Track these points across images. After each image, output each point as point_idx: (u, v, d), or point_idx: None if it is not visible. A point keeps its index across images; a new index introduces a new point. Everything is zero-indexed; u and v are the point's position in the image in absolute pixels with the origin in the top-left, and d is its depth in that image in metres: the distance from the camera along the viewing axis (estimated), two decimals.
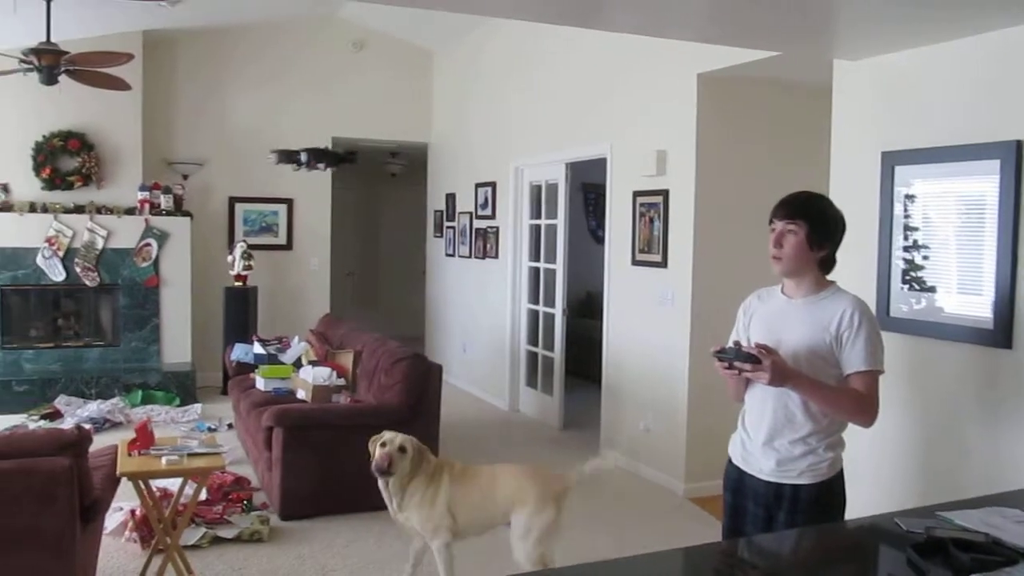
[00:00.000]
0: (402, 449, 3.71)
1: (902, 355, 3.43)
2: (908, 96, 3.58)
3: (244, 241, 8.70)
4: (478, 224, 8.73)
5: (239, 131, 9.05)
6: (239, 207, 9.12)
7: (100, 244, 8.07)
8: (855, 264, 3.63)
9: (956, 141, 3.32)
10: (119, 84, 6.28)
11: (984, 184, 3.22)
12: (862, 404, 2.66)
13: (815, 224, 2.67)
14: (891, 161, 3.59)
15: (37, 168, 7.98)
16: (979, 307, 3.23)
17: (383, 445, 3.71)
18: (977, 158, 3.24)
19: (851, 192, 3.77)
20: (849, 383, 2.67)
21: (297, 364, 6.46)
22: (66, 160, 8.07)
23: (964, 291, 3.32)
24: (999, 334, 3.14)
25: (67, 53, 5.74)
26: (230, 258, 8.58)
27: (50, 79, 5.75)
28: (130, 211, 8.19)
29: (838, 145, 3.95)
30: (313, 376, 5.82)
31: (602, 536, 4.85)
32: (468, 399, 8.49)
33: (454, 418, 6.33)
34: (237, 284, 8.49)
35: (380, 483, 3.76)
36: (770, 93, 5.46)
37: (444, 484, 3.81)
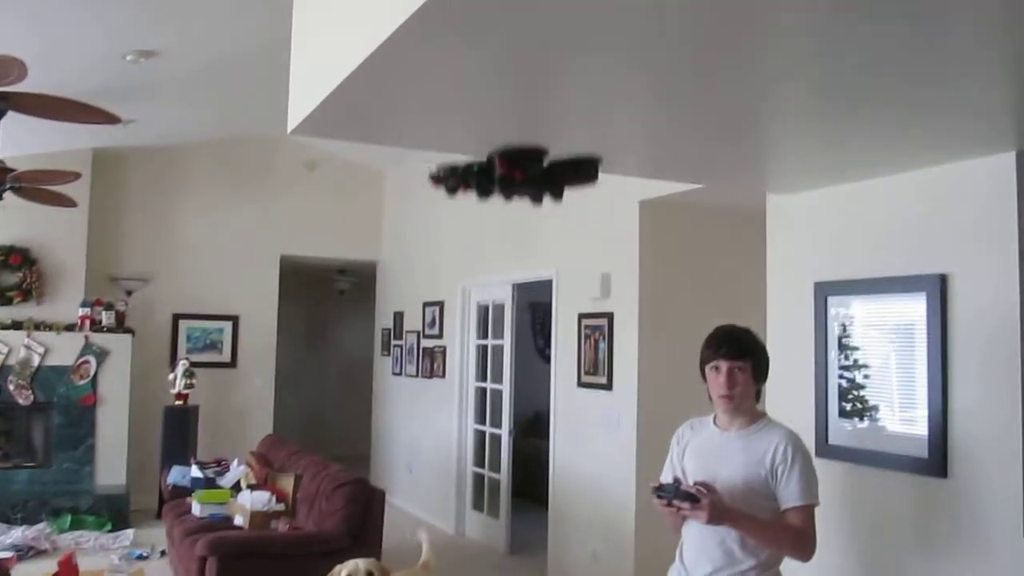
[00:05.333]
0: (370, 574, 3.59)
1: (840, 483, 3.45)
2: (838, 229, 3.72)
3: (187, 359, 8.55)
4: (425, 343, 8.72)
5: (186, 247, 9.03)
6: (183, 323, 9.00)
7: (36, 361, 7.88)
8: (792, 391, 3.69)
9: (884, 273, 3.44)
10: (65, 201, 6.25)
11: (914, 313, 3.32)
12: (800, 539, 2.69)
13: (758, 360, 2.77)
14: (823, 291, 3.69)
15: None
16: (917, 432, 3.28)
17: None
18: (905, 291, 3.35)
19: (787, 319, 3.86)
20: (786, 518, 2.69)
21: (236, 488, 6.27)
22: (6, 275, 7.96)
23: (904, 412, 3.37)
24: (934, 463, 3.18)
25: (13, 171, 5.72)
26: (171, 376, 8.40)
27: None
28: (70, 327, 8.04)
29: (773, 274, 4.07)
30: (251, 501, 5.64)
31: None
32: (413, 521, 8.27)
33: (397, 543, 6.16)
34: (178, 403, 8.29)
35: None
36: (709, 218, 5.63)
37: None
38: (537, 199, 2.97)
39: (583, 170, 2.83)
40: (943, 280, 3.21)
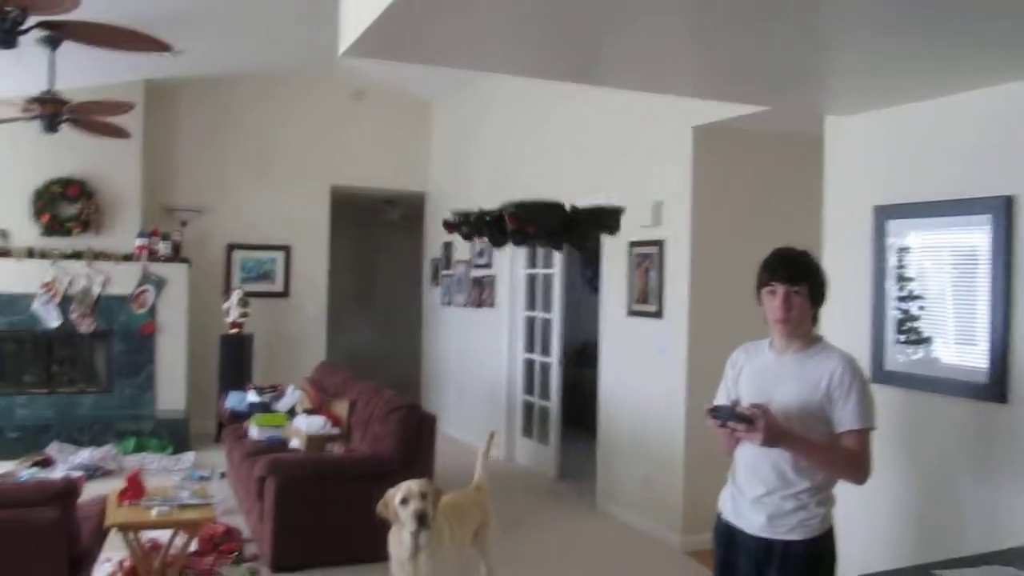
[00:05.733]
0: (423, 496, 3.65)
1: (896, 409, 3.42)
2: (899, 151, 3.62)
3: (241, 288, 8.71)
4: (475, 273, 8.75)
5: (238, 178, 9.14)
6: (237, 254, 9.16)
7: (97, 290, 8.08)
8: (849, 317, 3.64)
9: (947, 196, 3.35)
10: (119, 133, 6.34)
11: (976, 238, 3.24)
12: (855, 463, 2.67)
13: (815, 284, 2.72)
14: (883, 215, 3.62)
15: (36, 214, 8.03)
16: (975, 360, 3.23)
17: (404, 502, 3.64)
18: (968, 213, 3.27)
19: (844, 245, 3.79)
20: (841, 441, 2.67)
21: (291, 413, 6.43)
22: (65, 206, 8.12)
23: (960, 343, 3.32)
24: (994, 389, 3.13)
25: (69, 102, 5.80)
26: (226, 305, 8.58)
27: (51, 127, 5.80)
28: (128, 257, 8.22)
29: (830, 199, 3.98)
30: (307, 425, 5.79)
31: None
32: (462, 449, 8.42)
33: (448, 468, 6.28)
34: (233, 332, 8.49)
35: (408, 539, 3.67)
36: (763, 145, 5.51)
37: (447, 516, 3.84)
38: (557, 247, 2.91)
39: (605, 219, 2.74)
40: (1009, 202, 3.11)
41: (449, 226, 2.67)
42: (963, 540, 3.00)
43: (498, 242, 2.59)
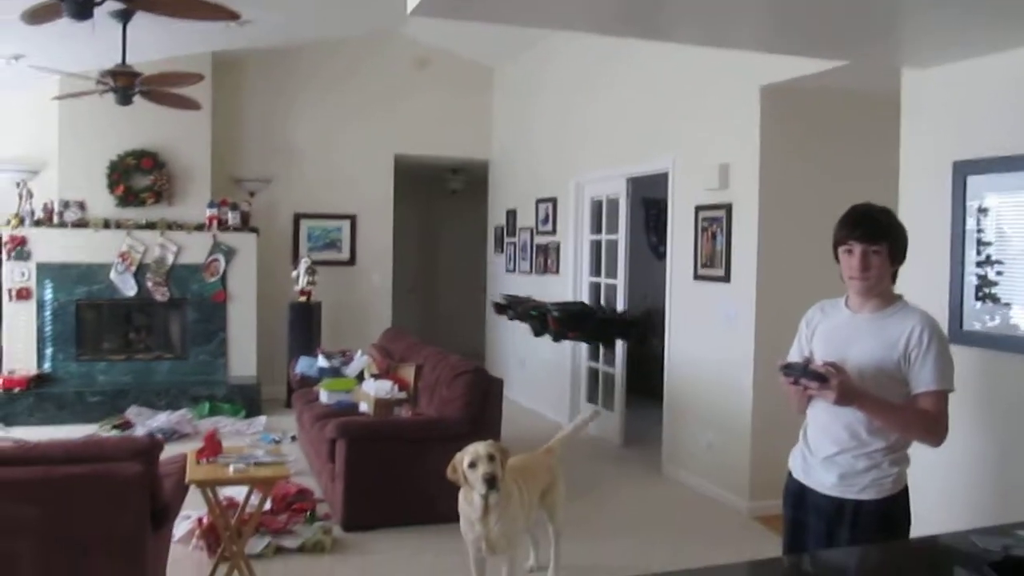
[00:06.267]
0: (491, 458, 3.69)
1: (975, 369, 3.33)
2: (980, 104, 3.50)
3: (308, 257, 8.86)
4: (539, 240, 8.75)
5: (304, 148, 9.27)
6: (304, 223, 9.31)
7: (170, 260, 8.30)
8: (926, 277, 3.55)
9: None
10: (190, 104, 6.46)
11: None
12: (930, 425, 2.61)
13: (895, 242, 2.65)
14: (963, 171, 3.50)
15: (111, 186, 8.26)
16: None
17: (472, 465, 3.68)
18: None
19: (922, 204, 3.69)
20: (917, 402, 2.61)
21: (359, 377, 6.54)
22: (139, 178, 8.33)
23: None
24: None
25: (141, 75, 5.93)
26: (295, 274, 8.74)
27: (125, 99, 5.93)
28: (199, 227, 8.42)
29: (907, 156, 3.87)
30: (375, 389, 5.88)
31: (661, 553, 4.80)
32: (527, 414, 8.48)
33: (514, 433, 6.32)
34: (301, 299, 8.64)
35: (478, 500, 3.71)
36: (835, 104, 5.38)
37: (515, 477, 3.89)
38: (592, 344, 2.84)
39: (630, 331, 2.65)
40: None
41: (498, 307, 2.70)
42: None
43: (539, 332, 2.58)
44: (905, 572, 2.25)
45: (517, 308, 2.54)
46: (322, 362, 6.85)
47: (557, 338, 2.41)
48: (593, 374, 7.89)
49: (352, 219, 9.48)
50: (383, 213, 9.60)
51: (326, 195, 9.33)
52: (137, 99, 6.13)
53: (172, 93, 6.29)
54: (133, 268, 8.20)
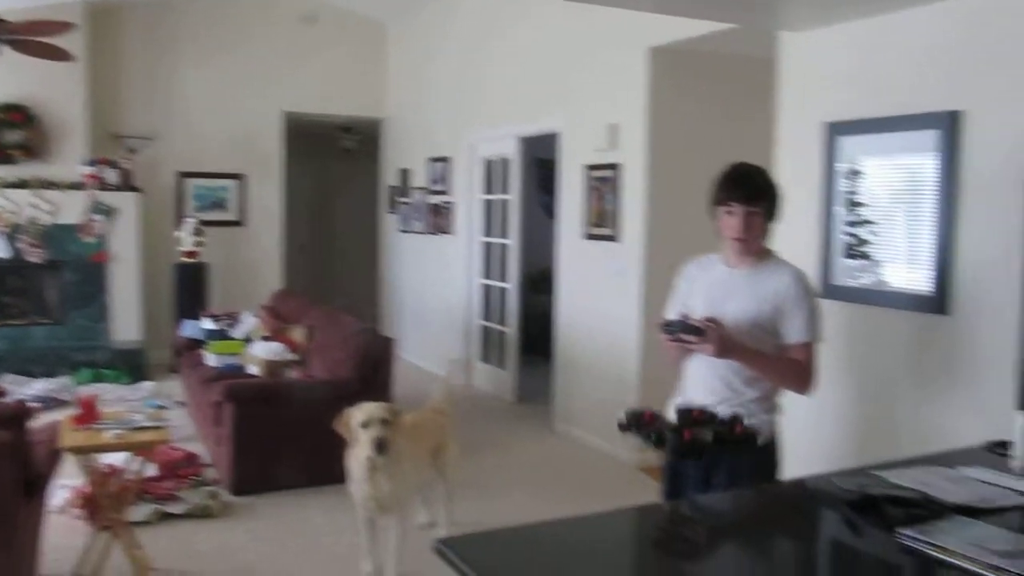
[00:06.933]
0: (384, 422, 3.68)
1: (842, 321, 3.50)
2: (851, 67, 3.63)
3: (194, 217, 8.57)
4: (432, 200, 8.70)
5: (188, 105, 8.92)
6: (189, 182, 8.99)
7: (45, 219, 7.90)
8: (798, 234, 3.69)
9: (896, 111, 3.38)
10: (62, 55, 6.13)
11: (924, 156, 3.28)
12: (802, 373, 2.74)
13: (772, 202, 2.75)
14: (834, 132, 3.64)
15: None
16: (920, 277, 3.30)
17: (365, 425, 3.66)
18: (916, 128, 3.30)
19: (796, 164, 3.82)
20: (789, 352, 2.73)
21: (248, 340, 6.41)
22: (8, 133, 7.87)
23: (908, 263, 3.37)
24: (937, 301, 3.21)
25: (6, 22, 5.59)
26: (180, 234, 8.45)
27: None
28: (75, 186, 8.02)
29: (783, 116, 4.00)
30: (265, 351, 5.78)
31: (552, 507, 4.90)
32: (422, 374, 8.48)
33: (408, 392, 6.32)
34: (188, 261, 8.37)
35: (366, 463, 3.70)
36: (721, 66, 5.50)
37: (406, 435, 3.88)
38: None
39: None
40: (955, 117, 3.15)
41: (623, 427, 2.61)
42: (901, 445, 3.11)
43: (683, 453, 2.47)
44: (772, 513, 2.37)
45: (641, 424, 2.39)
46: (208, 324, 6.68)
47: (693, 454, 2.31)
48: (486, 333, 7.95)
49: (240, 178, 9.21)
50: (273, 172, 9.35)
51: (212, 153, 9.02)
52: (5, 50, 5.79)
53: (43, 43, 5.95)
54: (6, 229, 7.78)
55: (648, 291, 5.50)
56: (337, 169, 12.52)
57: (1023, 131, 2.93)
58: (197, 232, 8.35)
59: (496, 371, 7.77)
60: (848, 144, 3.60)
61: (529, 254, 7.83)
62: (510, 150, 7.30)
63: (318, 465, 4.78)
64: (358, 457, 3.75)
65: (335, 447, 3.88)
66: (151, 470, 4.91)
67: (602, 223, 5.92)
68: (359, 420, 3.69)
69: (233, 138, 9.09)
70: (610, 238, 5.83)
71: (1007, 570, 1.71)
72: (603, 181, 5.88)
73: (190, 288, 8.29)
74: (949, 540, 1.86)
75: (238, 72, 9.09)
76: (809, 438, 3.57)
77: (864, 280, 3.51)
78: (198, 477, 5.04)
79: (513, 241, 7.37)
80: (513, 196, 7.33)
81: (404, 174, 9.43)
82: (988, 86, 3.06)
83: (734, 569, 1.90)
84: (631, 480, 5.43)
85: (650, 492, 5.10)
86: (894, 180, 3.44)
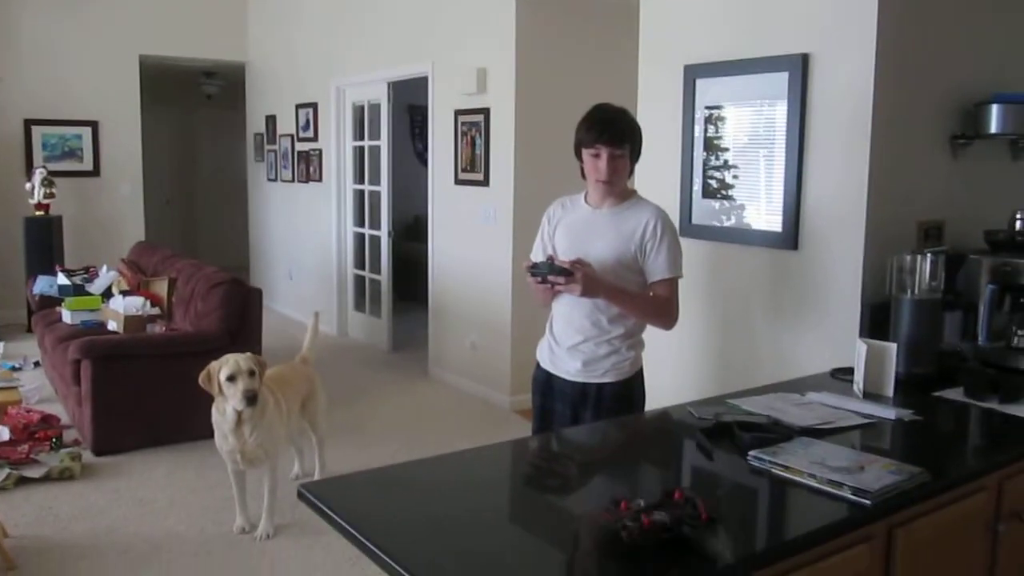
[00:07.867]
0: (252, 373, 3.61)
1: (701, 258, 3.62)
2: (709, 9, 3.70)
3: (44, 167, 8.07)
4: (300, 147, 8.47)
5: (35, 47, 8.33)
6: (37, 129, 8.44)
7: None
8: (660, 175, 3.77)
9: (751, 54, 3.47)
10: None
11: (778, 99, 3.38)
12: (665, 309, 2.82)
13: (635, 144, 2.79)
14: (692, 74, 3.71)
15: None
16: (773, 216, 3.43)
17: (231, 379, 3.58)
18: (769, 71, 3.40)
19: (656, 106, 3.88)
20: (652, 290, 2.80)
21: (107, 295, 6.12)
22: None
23: (767, 204, 3.49)
24: (787, 237, 3.35)
25: None
26: (29, 185, 7.95)
27: None
28: None
29: (645, 59, 4.05)
30: (124, 306, 5.54)
31: (427, 451, 4.91)
32: (295, 326, 8.34)
33: (281, 344, 6.22)
34: (38, 214, 7.90)
35: (231, 412, 3.63)
36: (587, 9, 5.53)
37: (271, 386, 3.84)
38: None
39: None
40: (804, 59, 3.26)
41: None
42: (758, 374, 3.25)
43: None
44: (634, 441, 2.46)
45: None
46: (62, 280, 6.34)
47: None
48: (360, 281, 7.86)
49: (94, 125, 8.70)
50: (129, 119, 8.87)
51: (62, 99, 8.47)
52: None
53: None
54: None
55: (517, 235, 5.54)
56: (201, 116, 12.04)
57: (866, 74, 3.06)
58: (47, 183, 7.87)
59: (371, 320, 7.71)
60: (708, 87, 3.68)
61: (403, 201, 7.76)
62: (380, 95, 7.16)
63: (186, 421, 4.65)
64: (222, 409, 3.67)
65: (204, 402, 3.78)
66: (4, 433, 4.68)
67: (473, 168, 5.90)
68: (225, 373, 3.60)
69: (84, 83, 8.57)
70: (481, 183, 5.82)
71: (842, 483, 1.84)
72: (473, 126, 5.85)
73: (42, 242, 7.83)
74: (793, 460, 1.97)
75: (90, 12, 8.53)
76: (673, 371, 3.70)
77: (725, 220, 3.62)
78: (57, 439, 4.82)
79: (384, 188, 7.27)
80: (383, 142, 7.21)
81: (270, 120, 9.13)
82: (833, 29, 3.18)
83: (596, 497, 1.96)
84: (506, 422, 5.51)
85: (524, 432, 5.21)
86: (754, 123, 3.54)
